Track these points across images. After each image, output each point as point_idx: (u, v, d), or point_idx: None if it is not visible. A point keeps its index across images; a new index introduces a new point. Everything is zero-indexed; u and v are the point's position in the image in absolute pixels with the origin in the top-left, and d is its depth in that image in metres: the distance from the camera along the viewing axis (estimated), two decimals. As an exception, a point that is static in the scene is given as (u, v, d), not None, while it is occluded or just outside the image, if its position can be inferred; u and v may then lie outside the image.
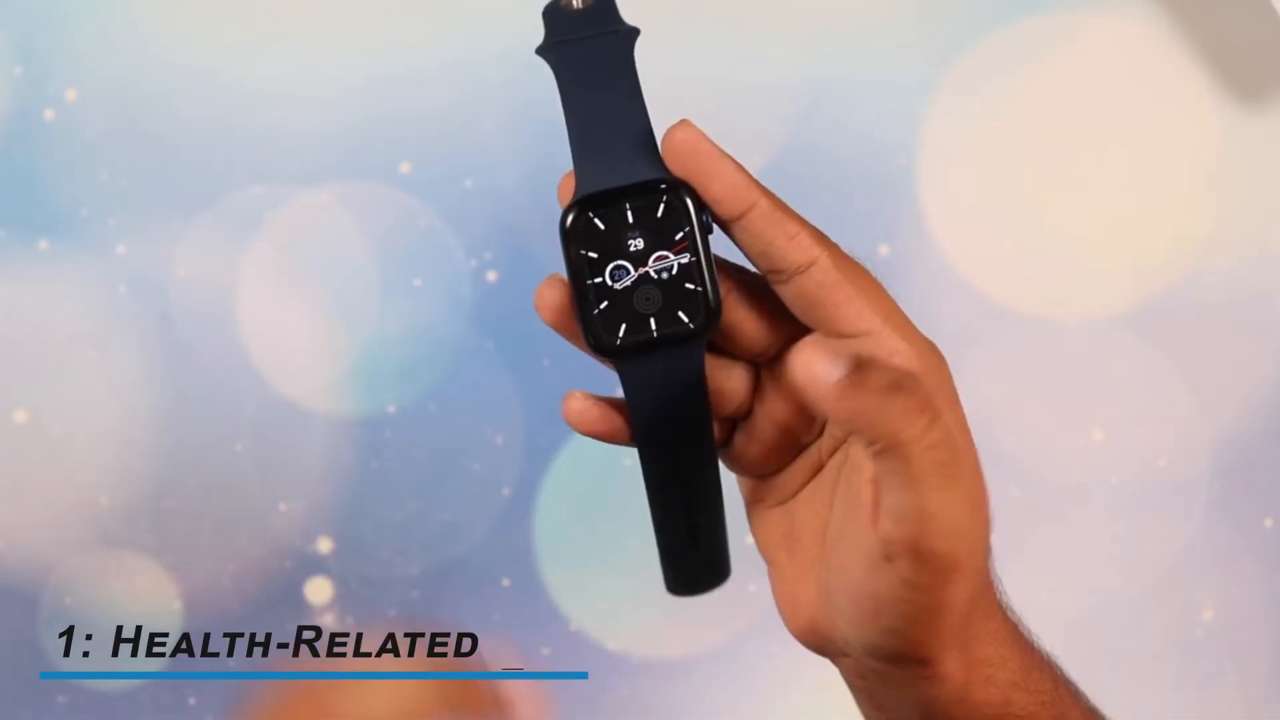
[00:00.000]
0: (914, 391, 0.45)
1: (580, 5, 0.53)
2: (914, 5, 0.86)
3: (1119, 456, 0.87)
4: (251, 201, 0.85)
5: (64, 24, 0.84)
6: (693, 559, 0.55)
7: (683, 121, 0.49)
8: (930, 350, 0.50)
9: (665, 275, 0.49)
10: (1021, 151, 0.86)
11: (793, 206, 0.50)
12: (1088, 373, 0.87)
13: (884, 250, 0.85)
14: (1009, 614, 0.51)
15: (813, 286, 0.49)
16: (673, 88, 0.86)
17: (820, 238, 0.49)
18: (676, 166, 0.49)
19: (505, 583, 0.86)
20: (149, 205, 0.85)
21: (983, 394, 0.85)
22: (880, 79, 0.86)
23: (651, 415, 0.50)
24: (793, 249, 0.49)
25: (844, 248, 0.50)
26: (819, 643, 0.52)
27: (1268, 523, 0.87)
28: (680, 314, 0.49)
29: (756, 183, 0.49)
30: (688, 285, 0.49)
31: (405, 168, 0.85)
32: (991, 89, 0.86)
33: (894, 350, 0.49)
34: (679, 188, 0.49)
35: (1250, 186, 0.87)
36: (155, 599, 0.85)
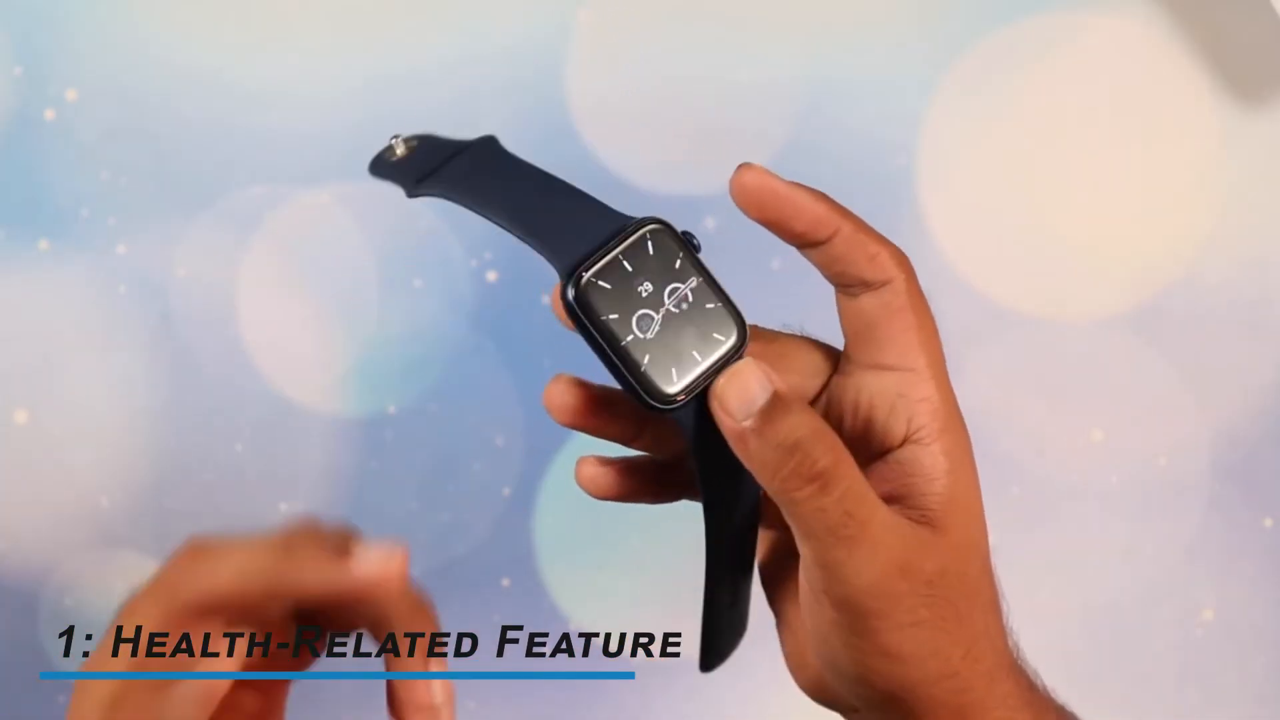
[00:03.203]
0: (805, 457, 0.45)
1: (405, 151, 0.52)
2: (914, 5, 0.86)
3: (1119, 456, 0.87)
4: (251, 201, 0.85)
5: (64, 24, 0.84)
6: (728, 620, 0.54)
7: (745, 165, 0.47)
8: (955, 410, 0.49)
9: (685, 305, 0.47)
10: (1021, 151, 0.86)
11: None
12: (1088, 373, 0.87)
13: (884, 250, 0.85)
14: (1022, 674, 0.50)
15: (878, 306, 0.48)
16: (673, 88, 0.86)
17: (900, 260, 0.48)
18: (754, 213, 0.47)
19: (505, 583, 0.86)
20: (149, 205, 0.85)
21: (983, 394, 0.85)
22: (880, 79, 0.85)
23: (716, 451, 0.48)
24: (871, 269, 0.48)
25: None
26: (827, 697, 0.51)
27: (1268, 523, 0.87)
28: (715, 334, 0.47)
29: (836, 206, 0.48)
30: (708, 305, 0.47)
31: (405, 168, 0.85)
32: (991, 89, 0.86)
33: (923, 397, 0.48)
34: (651, 222, 0.47)
35: (1250, 186, 0.87)
36: (155, 599, 0.85)
